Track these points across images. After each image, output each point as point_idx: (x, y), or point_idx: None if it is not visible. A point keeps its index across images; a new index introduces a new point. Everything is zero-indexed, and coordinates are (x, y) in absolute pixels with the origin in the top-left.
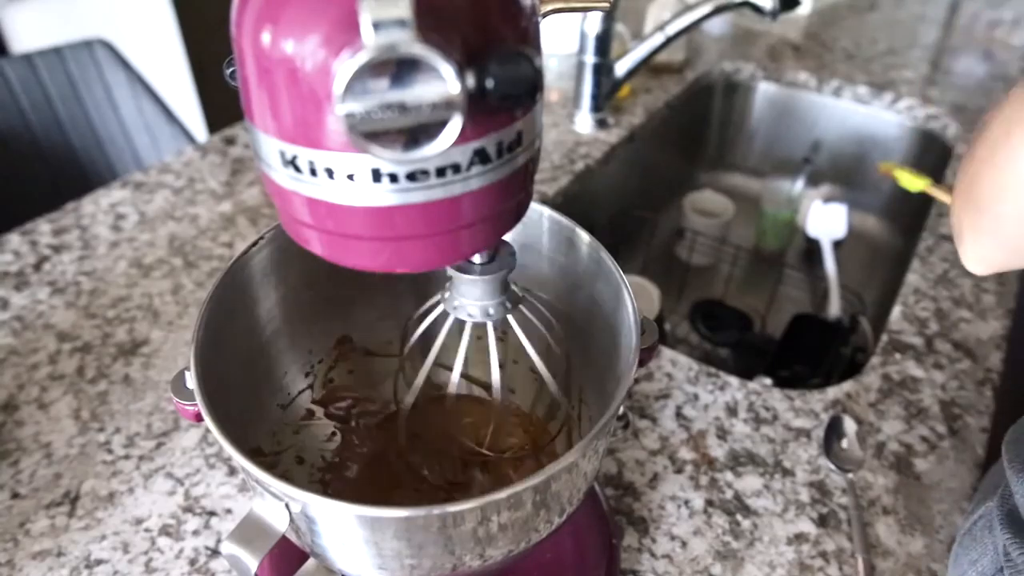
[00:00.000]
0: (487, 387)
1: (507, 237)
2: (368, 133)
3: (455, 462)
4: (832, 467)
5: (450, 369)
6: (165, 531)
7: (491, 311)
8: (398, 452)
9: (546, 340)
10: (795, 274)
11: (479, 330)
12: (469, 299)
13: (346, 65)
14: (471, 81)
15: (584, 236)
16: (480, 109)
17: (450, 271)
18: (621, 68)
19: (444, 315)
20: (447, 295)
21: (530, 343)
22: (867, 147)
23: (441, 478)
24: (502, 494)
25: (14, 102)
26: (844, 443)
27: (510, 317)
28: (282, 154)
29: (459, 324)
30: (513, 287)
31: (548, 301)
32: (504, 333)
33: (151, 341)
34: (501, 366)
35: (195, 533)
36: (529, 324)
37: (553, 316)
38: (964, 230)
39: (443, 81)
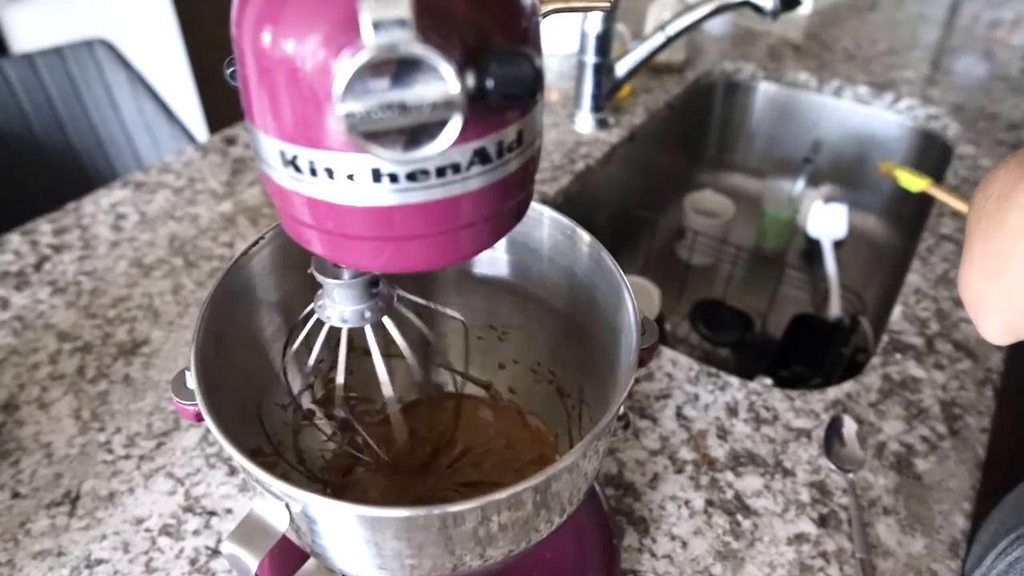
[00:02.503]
0: (487, 387)
1: (508, 237)
2: (368, 133)
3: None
4: (832, 467)
5: (450, 369)
6: (165, 531)
7: (367, 314)
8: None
9: (422, 333)
10: (796, 274)
11: (480, 330)
12: (342, 304)
13: (346, 65)
14: (471, 81)
15: (584, 236)
16: (480, 109)
17: (318, 277)
18: (622, 68)
19: (320, 324)
20: (319, 302)
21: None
22: (867, 147)
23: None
24: (502, 494)
25: (14, 102)
26: (844, 443)
27: (386, 320)
28: (282, 154)
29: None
30: (382, 286)
31: (411, 299)
32: (504, 334)
33: (151, 341)
34: (501, 366)
35: (195, 533)
36: (406, 322)
37: (420, 311)
38: (989, 303)
39: (443, 81)
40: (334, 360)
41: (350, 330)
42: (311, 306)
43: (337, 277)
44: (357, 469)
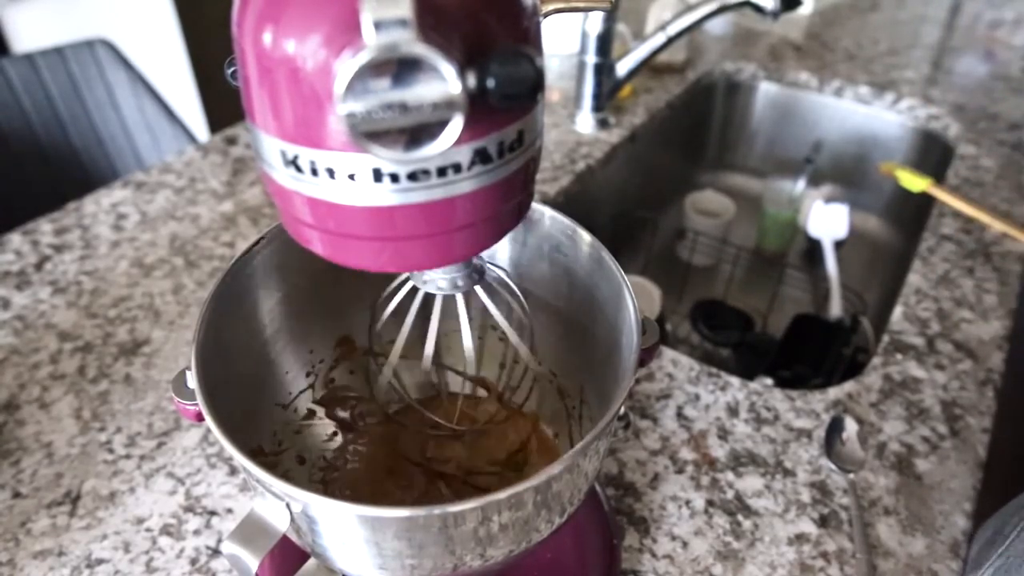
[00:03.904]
0: (487, 387)
1: (508, 237)
2: (369, 133)
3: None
4: (833, 467)
5: (451, 369)
6: (166, 531)
7: (459, 282)
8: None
9: (511, 309)
10: (796, 274)
11: (480, 330)
12: (437, 272)
13: (347, 65)
14: (472, 81)
15: (585, 236)
16: (481, 109)
17: None
18: (622, 68)
19: (413, 292)
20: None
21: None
22: (868, 147)
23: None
24: (503, 494)
25: (15, 102)
26: (845, 443)
27: (478, 288)
28: (283, 154)
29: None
30: (475, 259)
31: (508, 272)
32: (504, 334)
33: (152, 341)
34: (502, 366)
35: (196, 533)
36: (496, 295)
37: (514, 289)
38: None
39: (444, 81)
40: (336, 357)
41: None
42: (402, 276)
43: (344, 266)
44: (354, 467)
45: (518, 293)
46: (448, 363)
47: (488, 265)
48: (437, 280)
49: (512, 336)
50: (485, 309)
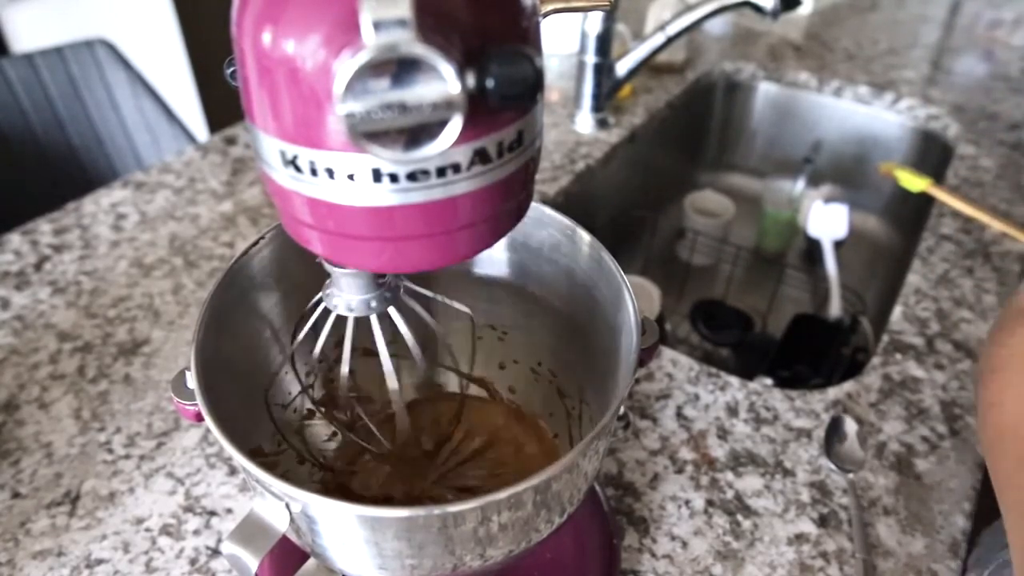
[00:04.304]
0: (487, 387)
1: (508, 237)
2: (368, 133)
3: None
4: (833, 467)
5: (451, 368)
6: (166, 531)
7: (372, 304)
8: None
9: (426, 325)
10: (796, 274)
11: (480, 330)
12: (349, 293)
13: (346, 65)
14: (471, 81)
15: (585, 236)
16: (480, 109)
17: (326, 265)
18: (622, 68)
19: (327, 313)
20: (327, 291)
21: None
22: (868, 147)
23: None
24: (502, 494)
25: (15, 102)
26: (845, 443)
27: (392, 310)
28: (283, 154)
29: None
30: (389, 277)
31: (414, 289)
32: (504, 334)
33: (152, 341)
34: (501, 367)
35: (196, 533)
36: (410, 312)
37: (427, 303)
38: None
39: (443, 81)
40: (336, 357)
41: (354, 330)
42: (319, 295)
43: (344, 266)
44: (363, 457)
45: (426, 315)
46: (448, 364)
47: (403, 284)
48: (350, 301)
49: (414, 349)
50: (488, 310)
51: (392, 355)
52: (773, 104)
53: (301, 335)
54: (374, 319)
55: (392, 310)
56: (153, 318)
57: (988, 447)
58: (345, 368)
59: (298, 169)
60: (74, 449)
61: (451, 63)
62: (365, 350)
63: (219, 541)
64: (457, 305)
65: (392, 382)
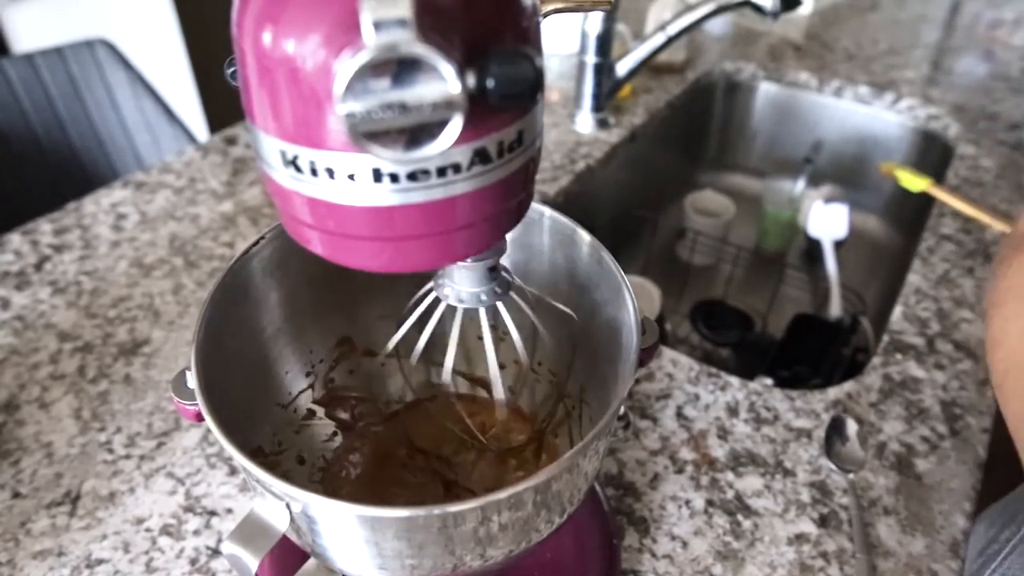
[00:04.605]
0: (487, 387)
1: (508, 237)
2: (369, 133)
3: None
4: (833, 467)
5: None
6: (166, 531)
7: (483, 297)
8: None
9: (535, 326)
10: (796, 274)
11: (480, 330)
12: (461, 285)
13: (347, 65)
14: (471, 81)
15: (585, 236)
16: (480, 109)
17: None
18: (622, 68)
19: (436, 303)
20: (439, 282)
21: (518, 331)
22: (868, 147)
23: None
24: (503, 494)
25: (15, 102)
26: (845, 443)
27: (499, 304)
28: (283, 154)
29: (451, 311)
30: (503, 273)
31: (535, 292)
32: (505, 334)
33: (152, 341)
34: (502, 366)
35: (196, 533)
36: (519, 311)
37: (539, 305)
38: None
39: (443, 81)
40: (336, 357)
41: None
42: (428, 285)
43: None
44: (354, 467)
45: (531, 314)
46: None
47: (514, 280)
48: (460, 293)
49: (523, 355)
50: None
51: (392, 356)
52: (773, 104)
53: (409, 322)
54: (482, 311)
55: (500, 305)
56: (153, 318)
57: (998, 388)
58: (449, 361)
59: (298, 169)
60: (74, 449)
61: (451, 63)
62: (366, 351)
63: (219, 541)
64: (562, 307)
65: (497, 386)
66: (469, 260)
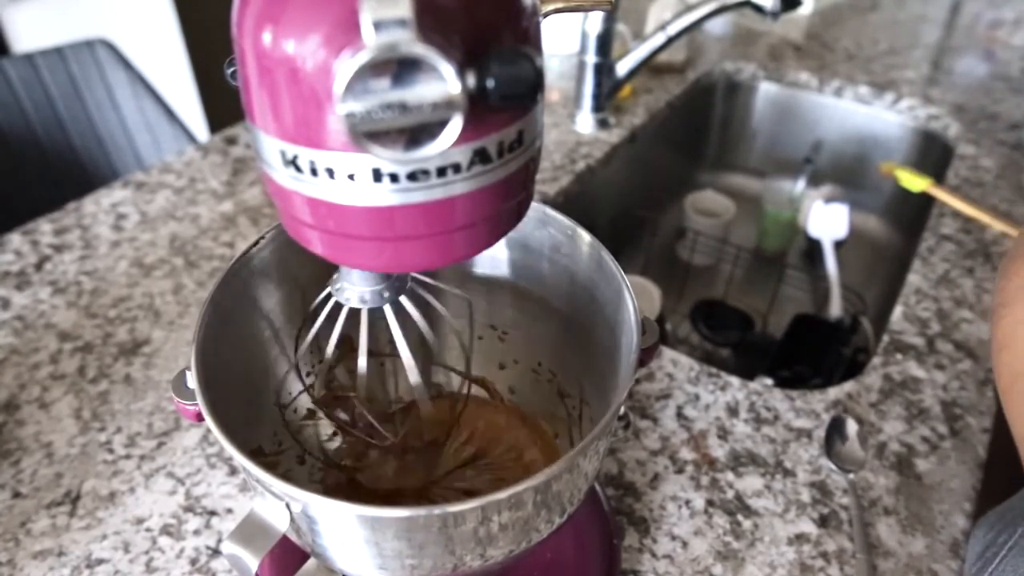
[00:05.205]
0: (487, 387)
1: (508, 237)
2: (369, 133)
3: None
4: (833, 467)
5: (450, 368)
6: (166, 531)
7: (386, 294)
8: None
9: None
10: (796, 274)
11: (480, 330)
12: (361, 285)
13: (347, 65)
14: (471, 81)
15: (585, 236)
16: (481, 109)
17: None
18: (622, 68)
19: (339, 307)
20: (338, 286)
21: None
22: (868, 147)
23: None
24: (503, 494)
25: (15, 102)
26: (845, 443)
27: (404, 299)
28: (283, 154)
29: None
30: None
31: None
32: (504, 334)
33: (152, 341)
34: (501, 367)
35: (196, 533)
36: (424, 305)
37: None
38: None
39: (443, 81)
40: (337, 358)
41: (346, 323)
42: (327, 290)
43: (345, 265)
44: (369, 454)
45: (434, 305)
46: (449, 363)
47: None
48: (363, 293)
49: (407, 358)
50: (488, 310)
51: (388, 355)
52: (773, 104)
53: (311, 334)
54: (389, 310)
55: (404, 299)
56: (153, 318)
57: (1004, 392)
58: (362, 362)
59: (298, 169)
60: (74, 449)
61: (451, 63)
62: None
63: (219, 541)
64: (456, 291)
65: (413, 375)
66: None
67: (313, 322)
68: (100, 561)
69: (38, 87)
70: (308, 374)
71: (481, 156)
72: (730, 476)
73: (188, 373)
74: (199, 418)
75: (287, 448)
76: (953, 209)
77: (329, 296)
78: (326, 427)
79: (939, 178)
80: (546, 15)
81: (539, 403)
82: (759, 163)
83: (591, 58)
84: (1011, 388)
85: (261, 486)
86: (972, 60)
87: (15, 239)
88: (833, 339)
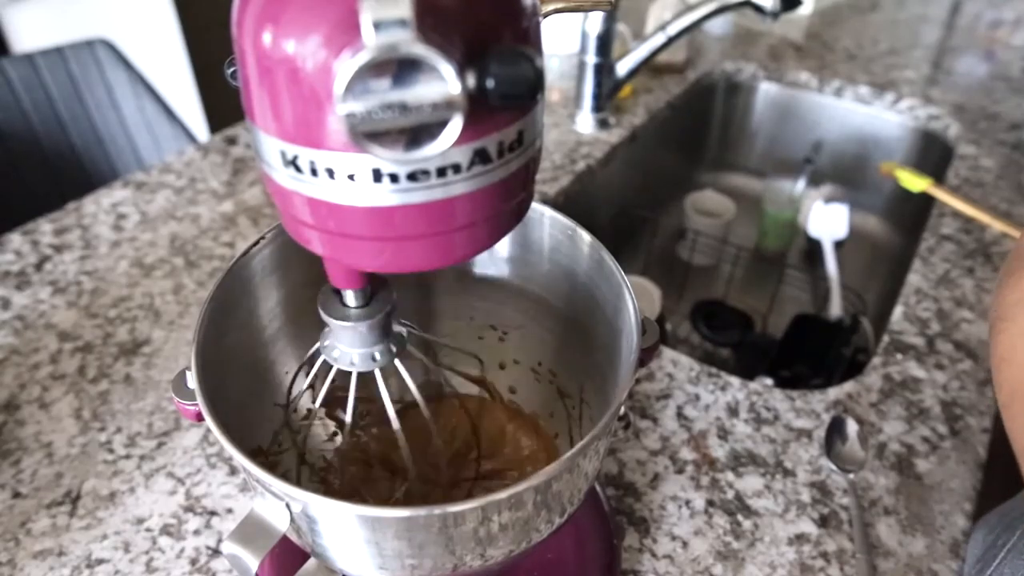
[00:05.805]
0: (487, 387)
1: (508, 237)
2: (369, 133)
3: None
4: (833, 467)
5: (448, 368)
6: (166, 531)
7: (376, 357)
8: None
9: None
10: (796, 274)
11: (480, 330)
12: (351, 347)
13: (347, 65)
14: (471, 81)
15: (585, 236)
16: (480, 109)
17: (325, 317)
18: (622, 68)
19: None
20: (327, 344)
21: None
22: (868, 147)
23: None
24: (503, 494)
25: (15, 102)
26: (845, 443)
27: (397, 362)
28: (283, 154)
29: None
30: (397, 327)
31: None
32: (505, 334)
33: (152, 341)
34: (501, 367)
35: (196, 533)
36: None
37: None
38: None
39: (443, 81)
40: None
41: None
42: (317, 345)
43: (345, 318)
44: (354, 467)
45: (431, 365)
46: (448, 364)
47: (408, 330)
48: (350, 355)
49: (424, 409)
50: (488, 310)
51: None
52: (773, 104)
53: (303, 387)
54: (378, 373)
55: (399, 363)
56: (154, 318)
57: (1004, 406)
58: (348, 418)
59: (298, 169)
60: (74, 449)
61: (451, 63)
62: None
63: (219, 541)
64: (466, 351)
65: (401, 441)
66: (354, 319)
67: (308, 368)
68: (100, 561)
69: (38, 87)
70: (309, 374)
71: (481, 156)
72: (730, 476)
73: (188, 373)
74: (199, 418)
75: (287, 448)
76: (953, 209)
77: (318, 353)
78: (324, 428)
79: (939, 178)
80: (546, 15)
81: (539, 403)
82: (759, 163)
83: (591, 58)
84: (1011, 404)
85: (261, 486)
86: (972, 60)
87: (15, 239)
88: (833, 339)
